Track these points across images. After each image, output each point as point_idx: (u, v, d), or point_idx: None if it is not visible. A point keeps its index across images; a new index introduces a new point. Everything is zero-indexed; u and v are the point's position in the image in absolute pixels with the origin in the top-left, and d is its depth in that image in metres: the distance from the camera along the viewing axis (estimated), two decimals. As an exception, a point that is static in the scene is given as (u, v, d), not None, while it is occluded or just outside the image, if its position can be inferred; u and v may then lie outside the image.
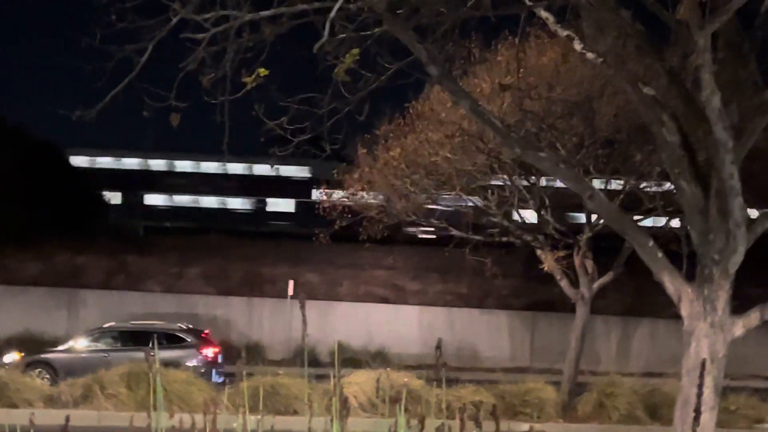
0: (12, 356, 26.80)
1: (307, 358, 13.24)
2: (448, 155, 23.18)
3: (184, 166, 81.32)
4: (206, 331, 29.02)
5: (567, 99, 21.42)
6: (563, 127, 22.10)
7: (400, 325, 37.92)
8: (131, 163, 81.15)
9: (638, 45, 10.45)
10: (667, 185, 21.81)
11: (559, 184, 20.70)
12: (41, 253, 40.41)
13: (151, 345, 19.88)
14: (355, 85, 10.66)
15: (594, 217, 23.47)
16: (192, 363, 25.34)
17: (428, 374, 19.23)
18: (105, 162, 78.06)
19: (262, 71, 9.41)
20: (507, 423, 19.24)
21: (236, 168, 78.02)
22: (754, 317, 10.62)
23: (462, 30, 12.05)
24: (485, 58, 22.27)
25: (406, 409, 5.69)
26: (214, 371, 26.23)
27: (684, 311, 10.56)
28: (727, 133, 9.48)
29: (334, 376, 6.14)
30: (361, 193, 26.00)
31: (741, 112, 10.26)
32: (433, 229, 27.74)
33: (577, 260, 24.23)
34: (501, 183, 24.67)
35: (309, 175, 73.09)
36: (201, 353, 26.64)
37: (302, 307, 5.78)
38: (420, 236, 41.78)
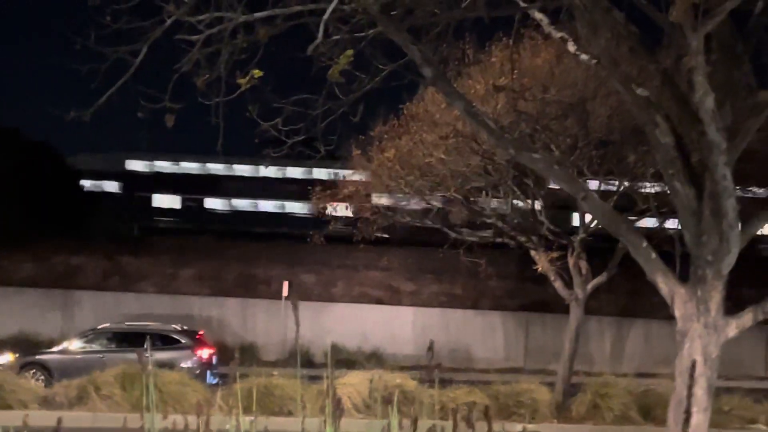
0: (6, 357, 26.76)
1: (301, 359, 13.26)
2: (443, 156, 23.18)
3: (243, 170, 79.94)
4: (201, 332, 29.02)
5: (561, 100, 21.43)
6: (557, 129, 22.12)
7: (395, 326, 37.95)
8: (190, 167, 79.57)
9: (632, 46, 10.47)
10: (661, 186, 21.83)
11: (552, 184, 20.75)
12: (36, 255, 40.42)
13: (145, 346, 19.89)
14: (350, 86, 10.66)
15: (588, 217, 23.51)
16: (186, 364, 25.33)
17: (422, 375, 19.26)
18: (163, 166, 76.93)
19: (257, 72, 9.41)
20: (501, 424, 19.22)
21: (295, 172, 76.45)
22: (747, 318, 10.63)
23: (456, 31, 12.08)
24: (479, 59, 22.28)
25: (399, 410, 5.70)
26: (208, 372, 26.22)
27: (677, 312, 10.57)
28: (721, 134, 9.50)
29: (328, 377, 6.15)
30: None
31: (734, 113, 10.28)
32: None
33: (571, 261, 24.25)
34: (495, 184, 24.68)
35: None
36: (195, 354, 26.64)
37: (295, 308, 5.79)
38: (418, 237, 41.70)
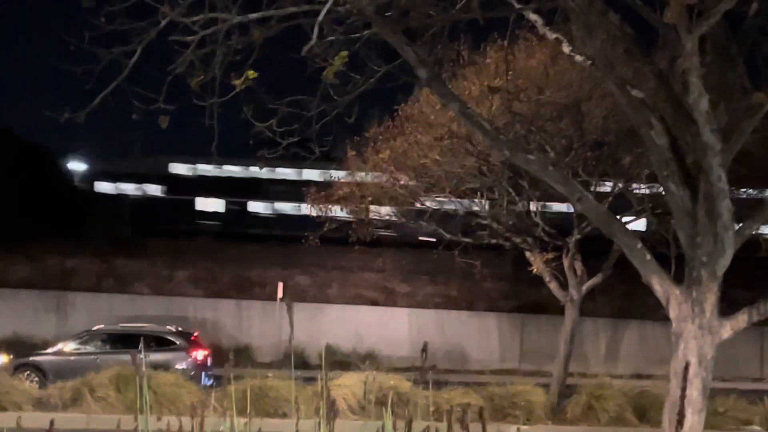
0: (0, 359, 26.71)
1: (295, 361, 13.25)
2: (437, 157, 23.18)
3: (286, 173, 79.24)
4: (195, 334, 28.98)
5: (556, 102, 21.43)
6: (552, 130, 22.11)
7: (390, 327, 37.91)
8: (233, 170, 78.85)
9: (627, 48, 10.48)
10: (655, 187, 21.83)
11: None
12: (31, 256, 40.35)
13: (140, 348, 19.84)
14: (344, 87, 10.67)
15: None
16: (181, 366, 25.29)
17: (416, 376, 19.24)
18: (206, 169, 76.36)
19: (251, 74, 9.41)
20: (496, 425, 19.26)
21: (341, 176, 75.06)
22: (742, 319, 10.64)
23: (451, 32, 12.09)
24: (474, 60, 22.26)
25: (393, 412, 5.70)
26: (203, 374, 26.19)
27: (672, 313, 10.58)
28: (715, 135, 9.51)
29: (323, 379, 6.15)
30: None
31: (729, 114, 10.30)
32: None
33: (566, 262, 24.24)
34: (490, 185, 24.66)
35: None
36: (190, 356, 26.61)
37: (289, 310, 5.79)
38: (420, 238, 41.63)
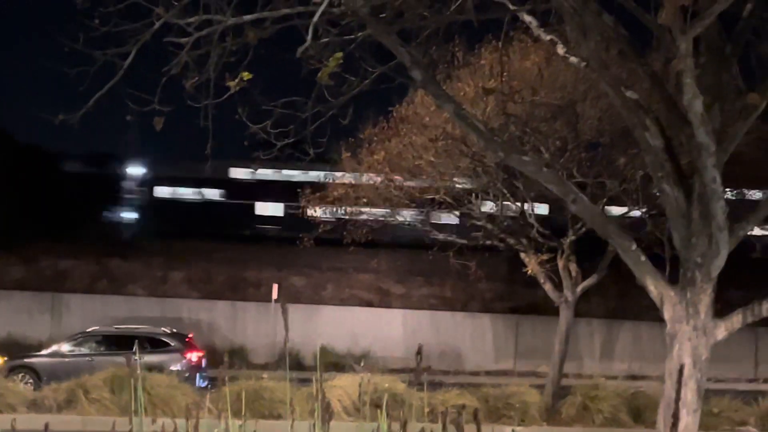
0: (-5, 361, 26.69)
1: (290, 362, 13.23)
2: (432, 159, 23.19)
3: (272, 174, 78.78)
4: (190, 335, 28.95)
5: (550, 103, 21.46)
6: (547, 131, 22.13)
7: (385, 328, 37.88)
8: (292, 174, 78.28)
9: (621, 49, 10.50)
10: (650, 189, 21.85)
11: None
12: (25, 257, 40.27)
13: (134, 349, 19.82)
14: (339, 88, 10.67)
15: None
16: (176, 367, 25.24)
17: (411, 378, 19.24)
18: (266, 174, 76.01)
19: (246, 75, 9.41)
20: (491, 426, 19.29)
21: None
22: (736, 320, 10.65)
23: (445, 34, 12.10)
24: (469, 61, 22.28)
25: (388, 413, 5.70)
26: (198, 375, 26.16)
27: (667, 314, 10.59)
28: (710, 137, 9.51)
29: (317, 380, 6.14)
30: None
31: (723, 116, 10.31)
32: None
33: (560, 263, 24.26)
34: (485, 186, 24.68)
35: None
36: (185, 357, 26.57)
37: (284, 311, 5.78)
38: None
